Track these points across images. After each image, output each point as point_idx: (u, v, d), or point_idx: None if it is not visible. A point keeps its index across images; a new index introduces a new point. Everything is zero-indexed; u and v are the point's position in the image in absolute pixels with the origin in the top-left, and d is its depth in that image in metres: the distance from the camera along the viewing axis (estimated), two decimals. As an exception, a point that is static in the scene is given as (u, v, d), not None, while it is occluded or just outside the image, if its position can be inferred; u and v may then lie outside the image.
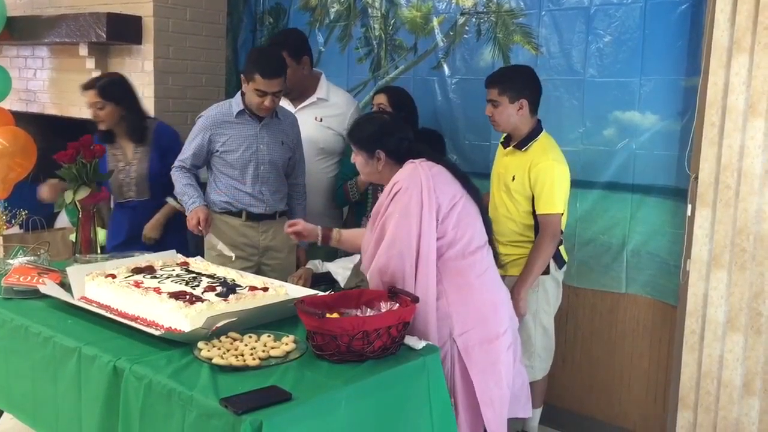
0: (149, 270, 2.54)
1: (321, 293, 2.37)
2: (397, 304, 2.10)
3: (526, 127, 2.81)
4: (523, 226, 2.80)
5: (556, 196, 2.72)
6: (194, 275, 2.51)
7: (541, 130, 2.84)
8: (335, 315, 2.04)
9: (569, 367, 3.38)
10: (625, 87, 3.07)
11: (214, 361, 1.89)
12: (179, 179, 3.06)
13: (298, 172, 3.27)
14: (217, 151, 3.05)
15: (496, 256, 2.47)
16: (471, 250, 2.30)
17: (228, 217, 3.10)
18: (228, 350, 1.97)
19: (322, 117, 3.45)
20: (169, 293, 2.24)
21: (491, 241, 2.44)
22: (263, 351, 1.97)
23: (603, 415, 3.30)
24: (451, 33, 3.59)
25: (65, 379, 2.07)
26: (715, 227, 2.72)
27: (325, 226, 2.72)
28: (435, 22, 3.65)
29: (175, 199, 3.24)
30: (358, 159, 2.45)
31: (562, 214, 2.78)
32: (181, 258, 2.75)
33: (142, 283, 2.37)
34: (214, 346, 1.98)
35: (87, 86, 3.36)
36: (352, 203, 3.40)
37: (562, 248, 2.91)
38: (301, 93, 3.47)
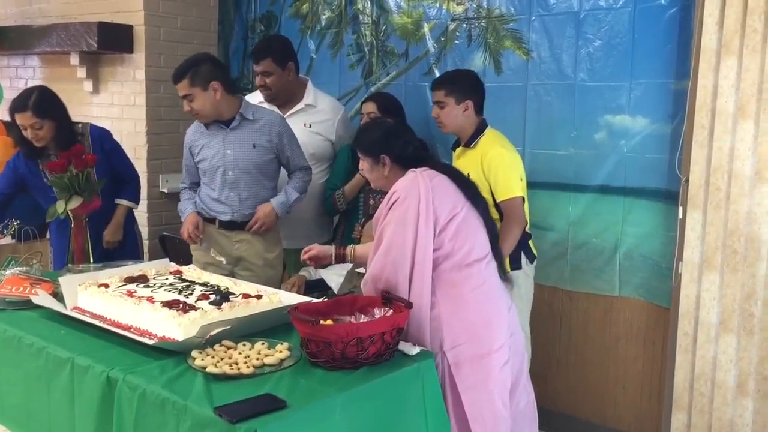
0: (142, 279, 2.53)
1: (314, 300, 2.36)
2: (391, 310, 2.10)
3: (471, 126, 2.92)
4: None
5: (511, 180, 2.79)
6: (187, 284, 2.50)
7: (486, 127, 2.93)
8: (329, 322, 2.04)
9: (563, 370, 3.39)
10: (615, 91, 3.09)
11: (208, 369, 1.88)
12: (181, 199, 3.22)
13: (294, 165, 3.19)
14: (197, 161, 3.14)
15: (502, 267, 2.40)
16: (468, 263, 2.24)
17: (207, 224, 3.17)
18: (222, 359, 1.96)
19: (311, 123, 3.45)
20: (162, 302, 2.24)
21: (497, 254, 2.37)
22: (257, 359, 1.96)
23: (598, 418, 3.31)
24: (442, 39, 3.60)
25: (58, 390, 2.06)
26: (706, 229, 2.73)
27: (338, 245, 2.65)
28: (426, 28, 3.66)
29: (127, 198, 3.42)
30: (364, 165, 2.42)
31: (523, 198, 2.82)
32: (174, 266, 2.75)
33: (135, 292, 2.37)
34: (207, 355, 1.98)
35: (18, 108, 3.15)
36: (342, 212, 3.40)
37: (531, 243, 2.96)
38: (288, 99, 3.47)
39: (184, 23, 4.36)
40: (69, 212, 2.98)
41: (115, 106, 4.43)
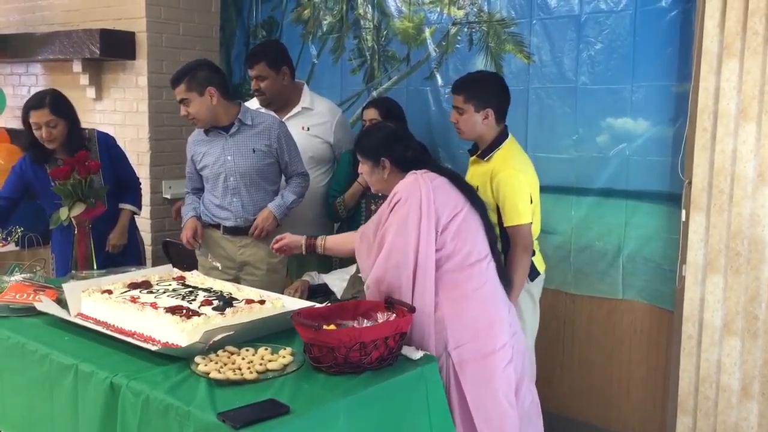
0: (145, 285, 2.53)
1: (317, 305, 2.36)
2: (394, 315, 2.10)
3: (490, 135, 2.73)
4: None
5: (520, 206, 2.62)
6: (191, 289, 2.50)
7: (506, 137, 2.75)
8: (332, 327, 2.04)
9: (567, 374, 3.38)
10: (617, 94, 3.09)
11: (211, 375, 1.88)
12: (184, 204, 3.26)
13: (291, 170, 3.18)
14: (199, 168, 3.16)
15: (501, 269, 2.40)
16: (470, 263, 2.26)
17: (211, 230, 3.18)
18: (225, 364, 1.96)
19: (308, 126, 3.46)
20: (165, 308, 2.24)
21: (496, 256, 2.38)
22: (260, 364, 1.96)
23: (602, 421, 3.30)
24: (444, 43, 3.61)
25: (62, 397, 2.06)
26: (709, 232, 2.73)
27: (309, 236, 2.65)
28: (427, 32, 3.66)
29: (130, 203, 3.44)
30: (364, 168, 2.44)
31: (531, 223, 2.67)
32: (177, 272, 2.75)
33: (138, 298, 2.37)
34: (211, 360, 1.97)
35: (34, 106, 3.17)
36: (344, 219, 3.41)
37: (535, 259, 2.77)
38: (284, 103, 3.48)
39: (186, 29, 4.37)
40: (72, 219, 2.98)
41: (118, 112, 4.44)
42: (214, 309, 2.26)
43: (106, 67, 4.44)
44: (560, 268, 3.30)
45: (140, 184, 3.60)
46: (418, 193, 2.22)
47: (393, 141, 2.40)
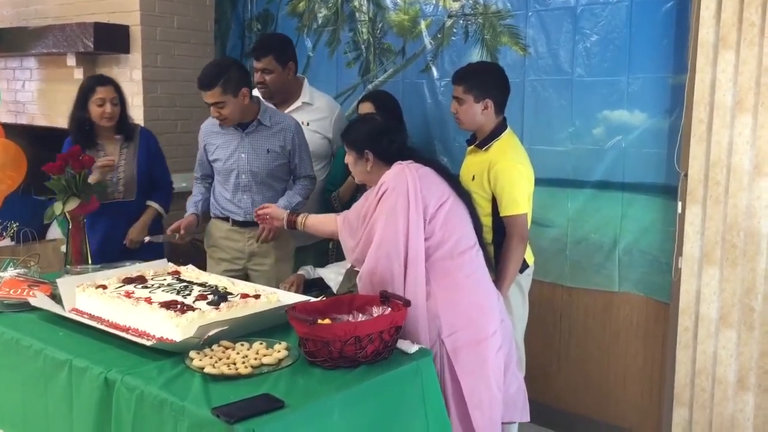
0: (140, 280, 2.52)
1: (313, 299, 2.36)
2: (389, 309, 2.10)
3: (490, 126, 2.74)
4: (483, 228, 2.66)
5: (518, 196, 2.64)
6: (185, 284, 2.49)
7: (505, 129, 2.76)
8: (327, 321, 2.03)
9: (564, 366, 3.38)
10: (613, 86, 3.08)
11: (205, 370, 1.88)
12: (193, 193, 3.26)
13: (300, 172, 3.19)
14: (210, 159, 3.16)
15: (488, 258, 2.45)
16: (460, 251, 2.30)
17: (219, 222, 3.20)
18: (220, 359, 1.95)
19: (308, 121, 3.45)
20: (160, 303, 2.23)
21: (482, 244, 2.43)
22: (255, 359, 1.95)
23: (598, 414, 3.30)
24: (439, 35, 3.59)
25: (56, 392, 2.06)
26: (705, 224, 2.73)
27: (291, 211, 2.76)
28: (422, 25, 3.65)
29: (157, 202, 3.41)
30: (349, 159, 2.47)
31: (527, 213, 2.69)
32: (172, 267, 2.74)
33: (133, 293, 2.36)
34: (206, 355, 1.97)
35: (102, 82, 3.31)
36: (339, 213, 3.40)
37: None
38: (286, 98, 3.47)
39: (181, 23, 4.34)
40: (66, 213, 2.97)
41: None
42: (209, 304, 2.25)
43: (100, 61, 4.41)
44: (556, 261, 3.29)
45: (173, 186, 3.59)
46: (405, 182, 2.25)
47: (378, 134, 2.42)
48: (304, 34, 4.14)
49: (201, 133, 3.21)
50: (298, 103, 3.48)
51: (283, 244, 3.19)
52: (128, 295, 2.33)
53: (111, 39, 4.16)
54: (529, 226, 2.75)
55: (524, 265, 2.76)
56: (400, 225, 2.22)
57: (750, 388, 2.67)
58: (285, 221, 2.70)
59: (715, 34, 2.64)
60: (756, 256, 2.61)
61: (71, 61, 4.35)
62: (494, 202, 2.66)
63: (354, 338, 1.92)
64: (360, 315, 2.12)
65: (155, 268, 2.69)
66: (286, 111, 3.43)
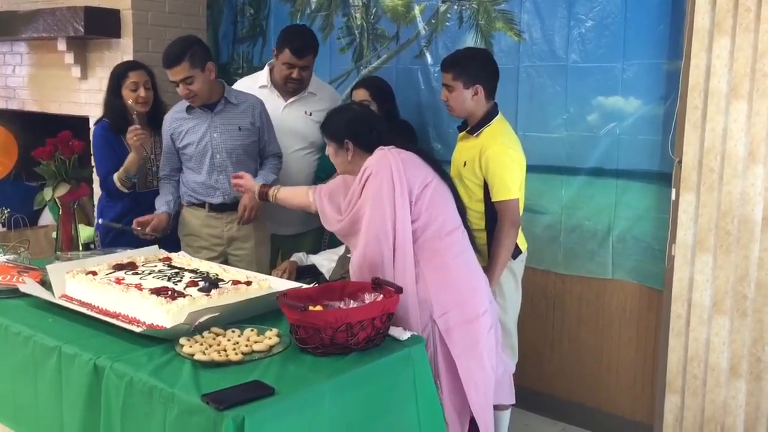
0: (131, 266, 2.51)
1: (305, 286, 2.35)
2: (381, 296, 2.09)
3: (481, 112, 2.73)
4: (474, 213, 2.66)
5: (508, 181, 2.63)
6: (176, 271, 2.48)
7: (496, 114, 2.75)
8: (318, 308, 2.02)
9: (557, 354, 3.38)
10: (607, 72, 3.06)
11: (196, 357, 1.86)
12: (161, 193, 3.19)
13: (269, 150, 3.21)
14: (180, 147, 3.12)
15: (474, 242, 2.44)
16: (447, 231, 2.30)
17: (194, 209, 3.17)
18: (210, 346, 1.94)
19: (311, 111, 3.43)
20: (150, 289, 2.21)
21: (467, 227, 2.42)
22: (246, 345, 1.94)
23: (591, 401, 3.31)
24: (433, 21, 3.56)
25: (46, 379, 2.04)
26: (699, 211, 2.72)
27: (264, 183, 2.79)
28: (416, 10, 3.62)
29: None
30: (329, 150, 2.45)
31: (518, 198, 2.68)
32: (163, 253, 2.73)
33: (123, 279, 2.34)
34: (196, 342, 1.96)
35: (136, 66, 3.30)
36: None
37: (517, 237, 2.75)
38: (294, 87, 3.45)
39: (172, 7, 4.30)
40: (57, 199, 2.95)
41: (104, 91, 4.36)
42: (200, 290, 2.24)
43: (91, 46, 4.37)
44: (550, 248, 3.29)
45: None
46: (389, 166, 2.24)
47: (357, 123, 2.40)
48: (297, 20, 4.10)
49: (165, 123, 3.15)
50: (304, 93, 3.45)
51: (261, 226, 3.20)
52: (118, 281, 2.32)
53: (102, 23, 4.12)
54: (521, 212, 2.75)
55: (517, 251, 2.75)
56: (387, 208, 2.21)
57: (742, 375, 2.67)
58: (257, 192, 2.73)
59: (710, 19, 2.62)
60: (749, 243, 2.60)
61: (62, 45, 4.31)
62: (486, 187, 2.65)
63: (345, 325, 1.91)
64: (352, 302, 2.11)
65: (146, 255, 2.67)
66: (291, 99, 3.41)
